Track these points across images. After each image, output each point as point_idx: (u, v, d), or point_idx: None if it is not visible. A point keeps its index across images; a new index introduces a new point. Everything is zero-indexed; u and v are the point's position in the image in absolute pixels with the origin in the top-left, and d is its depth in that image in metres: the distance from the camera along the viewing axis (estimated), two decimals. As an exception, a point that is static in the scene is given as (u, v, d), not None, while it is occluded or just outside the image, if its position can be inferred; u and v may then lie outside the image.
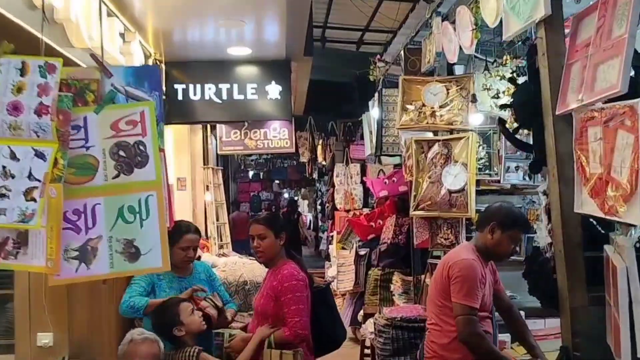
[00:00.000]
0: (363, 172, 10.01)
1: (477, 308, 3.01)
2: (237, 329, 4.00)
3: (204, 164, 8.90)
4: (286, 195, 24.08)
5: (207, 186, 8.37)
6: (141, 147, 2.35)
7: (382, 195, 6.92)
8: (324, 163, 12.46)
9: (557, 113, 2.60)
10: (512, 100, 2.88)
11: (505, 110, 3.64)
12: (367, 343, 6.13)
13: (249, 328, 3.61)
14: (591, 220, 2.67)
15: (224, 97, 6.38)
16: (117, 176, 2.37)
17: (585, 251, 2.64)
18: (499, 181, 4.57)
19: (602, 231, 2.63)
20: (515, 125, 2.99)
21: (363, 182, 9.90)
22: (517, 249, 3.23)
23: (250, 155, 18.18)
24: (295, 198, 21.90)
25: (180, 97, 6.34)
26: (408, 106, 4.61)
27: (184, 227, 3.73)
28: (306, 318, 3.32)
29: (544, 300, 2.76)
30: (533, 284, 2.81)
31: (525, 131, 3.11)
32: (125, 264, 2.34)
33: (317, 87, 9.06)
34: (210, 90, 6.38)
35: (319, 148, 12.27)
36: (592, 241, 2.64)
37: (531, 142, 2.85)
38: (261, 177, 23.06)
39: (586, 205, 2.45)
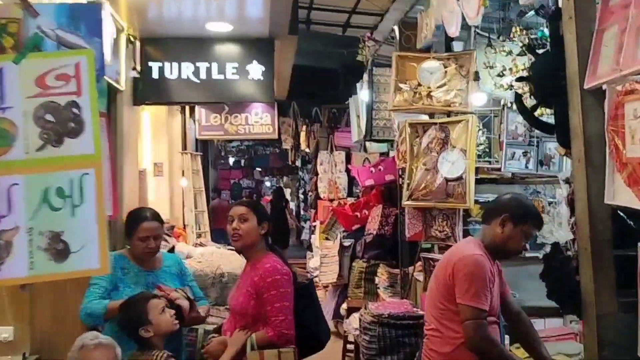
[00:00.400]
0: (348, 160, 9.87)
1: (487, 310, 2.67)
2: (212, 325, 3.69)
3: (183, 149, 8.64)
4: (268, 184, 23.77)
5: (183, 171, 8.05)
6: (75, 110, 1.84)
7: (368, 184, 6.90)
8: (307, 150, 12.13)
9: (585, 87, 2.24)
10: (530, 72, 2.51)
11: (512, 90, 3.28)
12: (350, 338, 5.93)
13: (224, 328, 3.27)
14: (620, 213, 2.31)
15: (203, 76, 6.13)
16: (42, 148, 1.87)
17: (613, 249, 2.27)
18: (499, 169, 4.22)
19: (634, 226, 2.28)
20: (534, 102, 2.60)
21: (348, 171, 9.73)
22: (527, 246, 2.87)
23: (231, 141, 17.86)
24: (280, 186, 21.60)
25: (155, 75, 6.06)
26: (402, 86, 4.25)
27: (141, 214, 3.41)
28: (291, 317, 3.02)
29: (564, 305, 2.40)
30: (551, 287, 2.45)
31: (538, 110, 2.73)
32: (49, 264, 1.86)
33: (302, 71, 8.89)
34: (187, 69, 6.09)
35: (303, 135, 11.96)
36: (621, 237, 2.28)
37: (552, 122, 2.47)
38: (242, 164, 22.75)
39: (620, 195, 2.09)
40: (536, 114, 2.86)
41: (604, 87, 2.20)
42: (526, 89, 2.96)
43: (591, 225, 2.25)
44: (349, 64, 7.96)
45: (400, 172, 5.14)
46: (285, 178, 20.73)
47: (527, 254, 4.16)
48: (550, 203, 4.03)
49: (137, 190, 5.92)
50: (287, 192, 19.52)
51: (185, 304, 3.20)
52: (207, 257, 5.74)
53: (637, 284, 2.14)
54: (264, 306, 3.01)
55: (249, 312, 3.06)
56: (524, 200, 2.94)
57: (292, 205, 18.59)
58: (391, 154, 6.42)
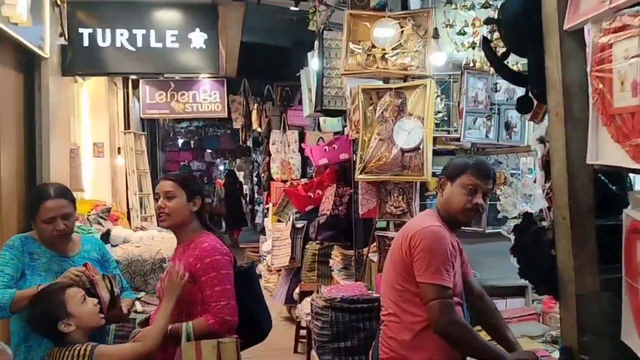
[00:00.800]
0: (302, 139, 9.48)
1: (451, 288, 2.36)
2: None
3: (125, 129, 8.17)
4: (222, 168, 23.25)
5: (119, 149, 7.58)
6: None
7: (321, 163, 6.59)
8: (259, 130, 11.69)
9: (565, 27, 1.90)
10: (500, 16, 2.17)
11: (474, 49, 2.96)
12: (303, 324, 5.73)
13: (153, 319, 2.89)
14: (600, 176, 2.00)
15: (139, 44, 5.78)
16: None
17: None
18: (458, 139, 3.91)
19: (617, 191, 1.97)
20: (504, 50, 2.27)
21: (301, 151, 9.36)
22: (482, 202, 2.49)
23: (180, 121, 17.29)
24: (232, 169, 21.17)
25: (86, 43, 5.71)
26: (354, 47, 3.88)
27: (42, 192, 2.93)
28: (234, 301, 2.72)
29: (538, 284, 2.09)
30: (524, 263, 2.13)
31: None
32: None
33: (253, 48, 8.57)
34: (122, 36, 5.77)
35: (254, 113, 11.50)
36: (602, 205, 1.97)
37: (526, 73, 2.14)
38: (192, 145, 22.11)
39: (606, 153, 1.76)
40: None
41: (587, 28, 1.87)
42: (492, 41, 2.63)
43: (570, 190, 1.92)
44: (301, 41, 7.61)
45: (354, 148, 4.82)
46: (238, 160, 20.26)
47: (488, 230, 3.93)
48: (512, 174, 3.75)
49: (68, 169, 5.46)
50: (241, 175, 19.14)
51: (105, 295, 2.78)
52: (146, 241, 5.35)
53: (624, 257, 1.83)
54: (203, 290, 2.69)
55: (183, 297, 2.71)
56: (464, 157, 2.69)
57: (245, 188, 18.20)
58: (346, 131, 6.13)
